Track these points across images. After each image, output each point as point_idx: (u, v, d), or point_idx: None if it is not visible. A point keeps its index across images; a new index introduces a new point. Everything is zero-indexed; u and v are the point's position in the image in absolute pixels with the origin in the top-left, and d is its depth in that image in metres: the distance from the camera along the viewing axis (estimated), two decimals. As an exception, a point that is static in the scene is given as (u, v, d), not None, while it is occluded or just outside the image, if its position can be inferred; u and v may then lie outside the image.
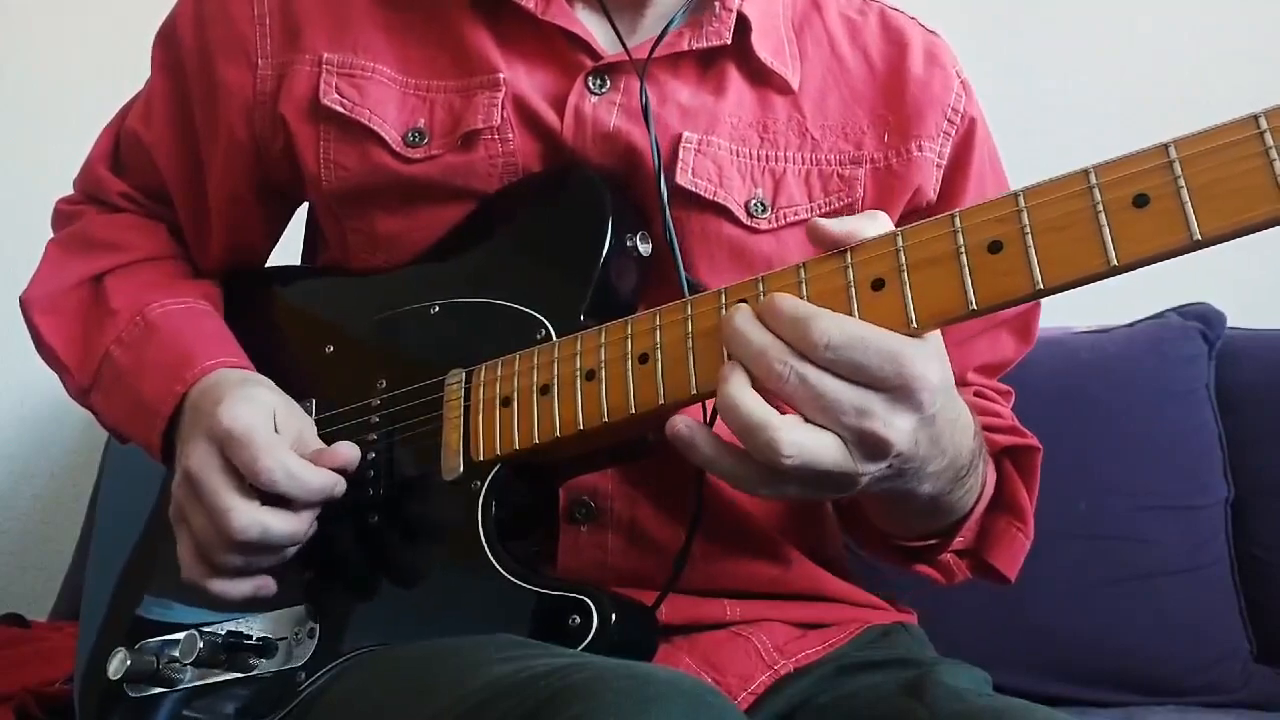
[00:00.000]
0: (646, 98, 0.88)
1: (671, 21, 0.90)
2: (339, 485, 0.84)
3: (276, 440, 0.82)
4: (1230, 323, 1.60)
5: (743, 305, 0.70)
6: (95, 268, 1.01)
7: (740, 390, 0.67)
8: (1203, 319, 1.59)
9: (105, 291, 0.99)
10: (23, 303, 1.02)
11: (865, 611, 0.95)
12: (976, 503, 0.86)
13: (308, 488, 0.81)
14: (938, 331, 0.69)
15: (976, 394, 0.99)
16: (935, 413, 0.69)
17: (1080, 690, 1.45)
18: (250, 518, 0.80)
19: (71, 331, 0.99)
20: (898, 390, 0.66)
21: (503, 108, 0.89)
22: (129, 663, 0.89)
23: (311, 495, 0.82)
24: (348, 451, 0.85)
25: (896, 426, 0.67)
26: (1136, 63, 1.92)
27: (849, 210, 0.91)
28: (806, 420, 0.66)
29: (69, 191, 1.11)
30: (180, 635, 0.89)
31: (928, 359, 0.67)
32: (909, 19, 1.00)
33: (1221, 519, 1.51)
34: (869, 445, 0.67)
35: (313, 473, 0.82)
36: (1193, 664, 1.45)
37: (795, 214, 0.90)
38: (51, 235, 1.09)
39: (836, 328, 0.66)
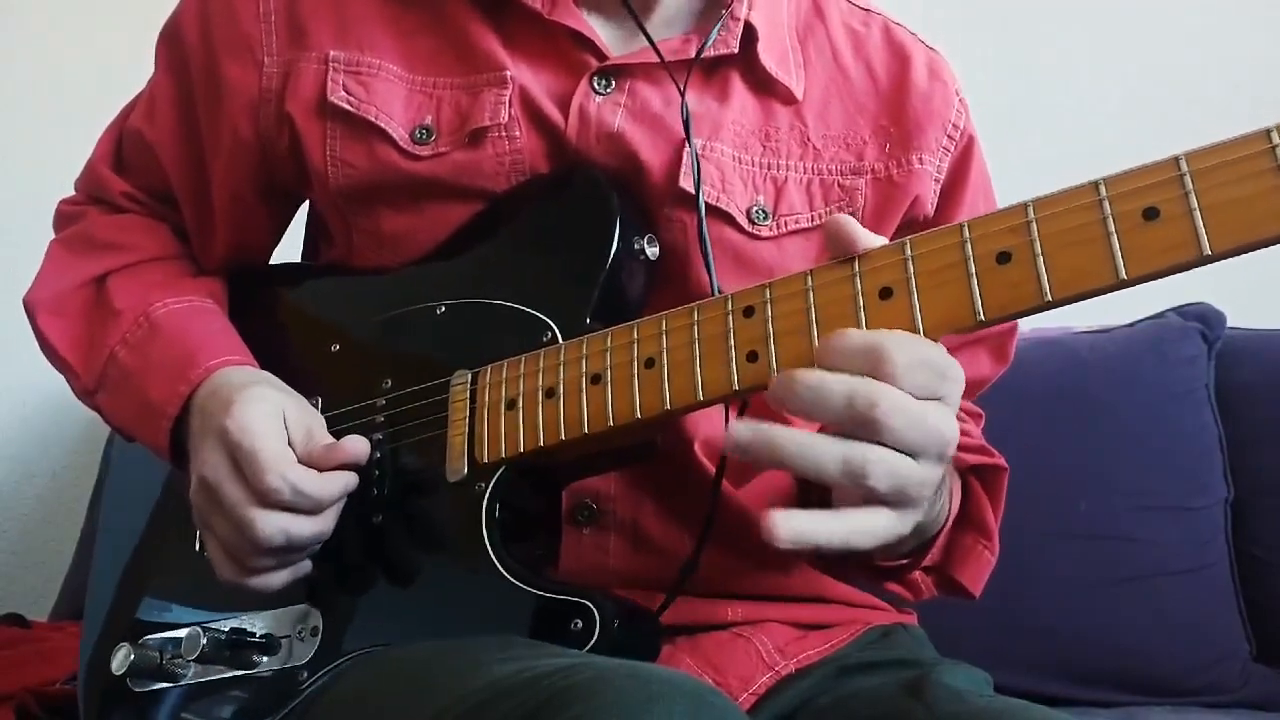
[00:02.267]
0: (687, 109, 0.87)
1: (709, 37, 0.90)
2: (351, 482, 0.84)
3: (282, 453, 0.82)
4: (1230, 323, 1.60)
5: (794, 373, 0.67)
6: (98, 268, 1.00)
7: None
8: (1203, 319, 1.59)
9: (109, 292, 0.98)
10: (27, 304, 1.01)
11: (866, 612, 0.96)
12: (946, 520, 0.86)
13: (316, 500, 0.81)
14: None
15: None
16: None
17: (1080, 690, 1.46)
18: (273, 526, 0.80)
19: (76, 333, 0.98)
20: (952, 399, 0.68)
21: (510, 105, 0.89)
22: (132, 658, 0.89)
23: (322, 505, 0.82)
24: (357, 446, 0.84)
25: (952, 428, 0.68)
26: (1136, 63, 1.92)
27: None
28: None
29: (70, 192, 1.10)
30: (183, 631, 0.89)
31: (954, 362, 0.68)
32: (910, 34, 1.00)
33: (1221, 519, 1.52)
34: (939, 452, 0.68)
35: (319, 483, 0.82)
36: (1193, 664, 1.46)
37: (796, 222, 0.90)
38: (52, 236, 1.09)
39: (908, 350, 0.65)
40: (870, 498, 0.66)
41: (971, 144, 0.98)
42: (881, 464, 0.65)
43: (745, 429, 0.67)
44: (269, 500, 0.80)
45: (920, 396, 0.66)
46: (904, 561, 0.90)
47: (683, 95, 0.88)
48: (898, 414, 0.65)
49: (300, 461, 0.83)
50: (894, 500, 0.67)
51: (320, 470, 0.83)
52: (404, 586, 0.84)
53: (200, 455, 0.85)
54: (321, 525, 0.82)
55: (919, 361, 0.65)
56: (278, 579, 0.84)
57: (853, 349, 0.66)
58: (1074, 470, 1.52)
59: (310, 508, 0.81)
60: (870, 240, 0.70)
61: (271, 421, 0.83)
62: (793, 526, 0.65)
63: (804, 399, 0.66)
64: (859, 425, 0.65)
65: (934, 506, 0.79)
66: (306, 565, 0.85)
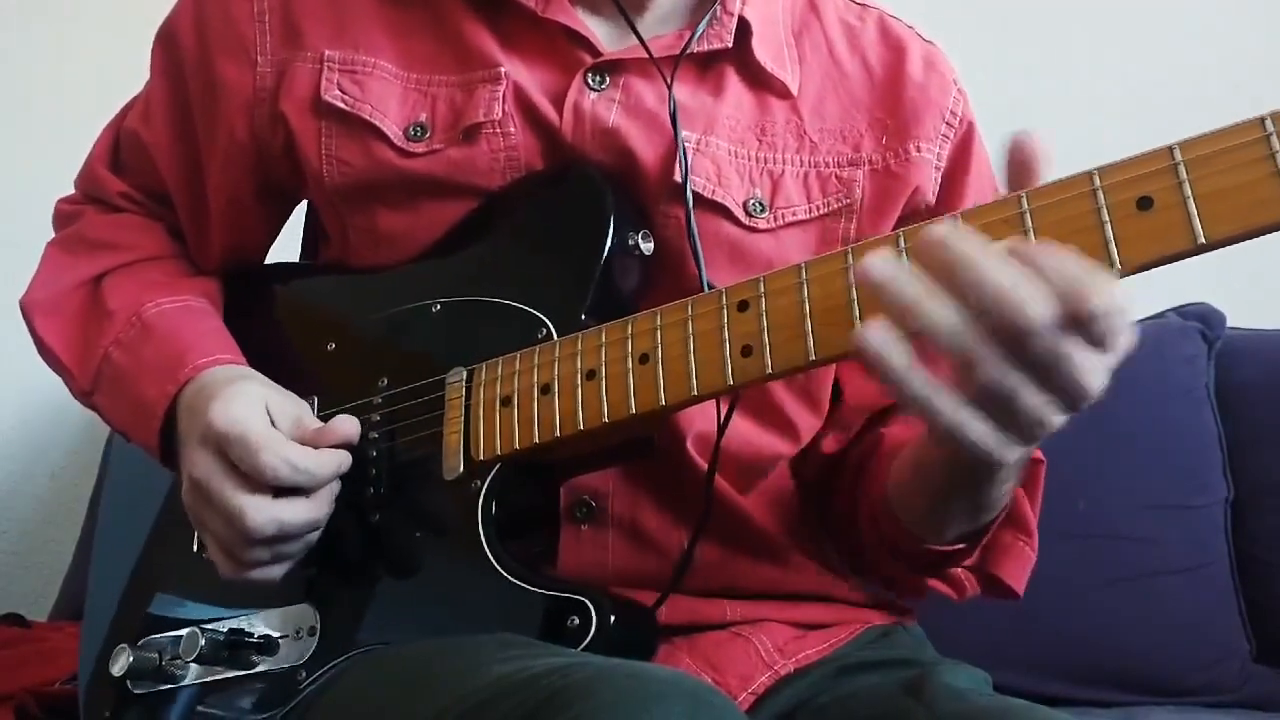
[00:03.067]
0: (674, 103, 0.87)
1: (696, 30, 0.90)
2: (345, 461, 0.84)
3: (273, 434, 0.82)
4: (1230, 323, 1.60)
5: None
6: (94, 269, 1.01)
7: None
8: (1203, 319, 1.59)
9: (103, 293, 0.99)
10: (23, 306, 1.02)
11: (865, 612, 0.96)
12: (1001, 511, 0.82)
13: (313, 475, 0.82)
14: None
15: None
16: None
17: (1080, 690, 1.45)
18: (265, 515, 0.80)
19: (71, 334, 0.99)
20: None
21: (504, 101, 0.89)
22: (131, 659, 0.90)
23: (319, 481, 0.82)
24: (347, 426, 0.85)
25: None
26: (1136, 63, 1.92)
27: (847, 211, 0.91)
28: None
29: (69, 192, 1.11)
30: (182, 632, 0.89)
31: None
32: (907, 28, 1.00)
33: (1221, 519, 1.51)
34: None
35: (315, 458, 0.82)
36: (1193, 664, 1.45)
37: (793, 214, 0.90)
38: (51, 235, 1.09)
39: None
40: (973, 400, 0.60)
41: (972, 130, 0.98)
42: (1006, 371, 0.58)
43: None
44: (264, 480, 0.80)
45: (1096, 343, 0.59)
46: (959, 546, 0.84)
47: (669, 89, 0.88)
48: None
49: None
50: (995, 417, 0.60)
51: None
52: (402, 585, 0.84)
53: (188, 455, 0.85)
54: (314, 511, 0.82)
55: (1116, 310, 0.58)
56: (277, 571, 0.84)
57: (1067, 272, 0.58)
58: (1073, 470, 1.51)
59: (308, 484, 0.81)
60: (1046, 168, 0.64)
61: (255, 410, 0.83)
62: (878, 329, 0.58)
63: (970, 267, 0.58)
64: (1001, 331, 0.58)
65: (1002, 486, 0.75)
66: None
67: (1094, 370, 0.60)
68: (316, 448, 0.83)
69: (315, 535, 0.84)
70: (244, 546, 0.82)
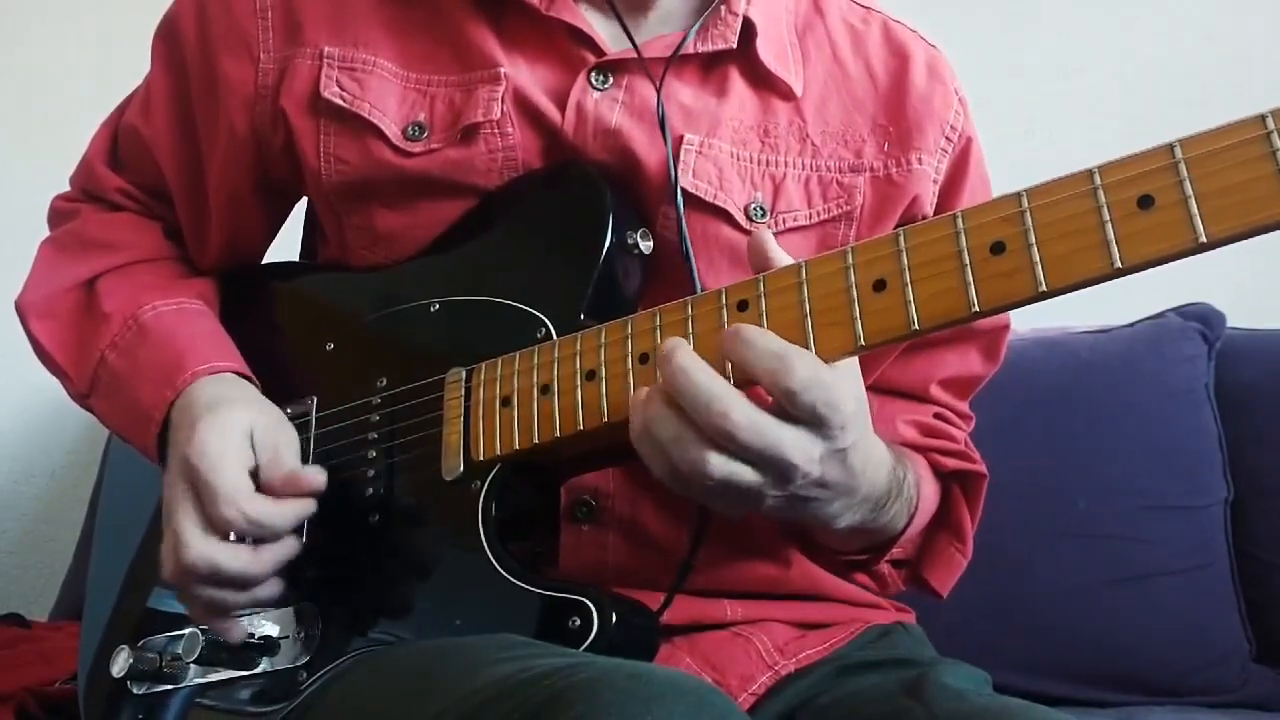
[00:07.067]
0: (662, 106, 0.88)
1: (690, 32, 0.90)
2: (305, 510, 0.84)
3: (238, 485, 0.82)
4: (1230, 323, 1.60)
5: (682, 342, 0.71)
6: (89, 270, 1.00)
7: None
8: (1202, 319, 1.59)
9: (98, 295, 0.98)
10: (18, 307, 1.01)
11: (865, 611, 0.96)
12: (909, 523, 0.88)
13: (270, 528, 0.82)
14: (854, 361, 0.72)
15: (937, 415, 0.99)
16: (846, 447, 0.71)
17: (1080, 690, 1.45)
18: (198, 553, 0.81)
19: (67, 336, 0.99)
20: (822, 423, 0.69)
21: (503, 102, 0.88)
22: (132, 660, 0.90)
23: (273, 533, 0.83)
24: (316, 479, 0.85)
25: (809, 454, 0.70)
26: (1136, 63, 1.92)
27: (847, 218, 0.91)
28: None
29: (66, 188, 1.10)
30: (183, 633, 0.89)
31: (854, 398, 0.71)
32: (911, 32, 1.00)
33: (1221, 519, 1.51)
34: (780, 471, 0.70)
35: (275, 512, 0.83)
36: (1193, 664, 1.45)
37: (794, 219, 0.90)
38: (47, 233, 1.08)
39: (807, 370, 0.68)
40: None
41: (969, 145, 0.98)
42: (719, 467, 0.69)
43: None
44: (220, 531, 0.81)
45: (801, 418, 0.68)
46: (863, 557, 0.92)
47: (659, 90, 0.88)
48: (746, 429, 0.68)
49: (260, 488, 0.84)
50: (720, 498, 0.72)
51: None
52: (402, 586, 0.84)
53: (167, 471, 0.86)
54: (251, 566, 0.82)
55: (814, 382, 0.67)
56: (266, 592, 0.84)
57: (763, 349, 0.69)
58: (1074, 470, 1.52)
59: (264, 535, 0.83)
60: (783, 259, 0.74)
61: (232, 445, 0.84)
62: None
63: (673, 380, 0.69)
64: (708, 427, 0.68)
65: (885, 512, 0.83)
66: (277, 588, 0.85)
67: (798, 446, 0.69)
68: (282, 494, 0.83)
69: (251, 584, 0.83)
70: (181, 575, 0.83)
